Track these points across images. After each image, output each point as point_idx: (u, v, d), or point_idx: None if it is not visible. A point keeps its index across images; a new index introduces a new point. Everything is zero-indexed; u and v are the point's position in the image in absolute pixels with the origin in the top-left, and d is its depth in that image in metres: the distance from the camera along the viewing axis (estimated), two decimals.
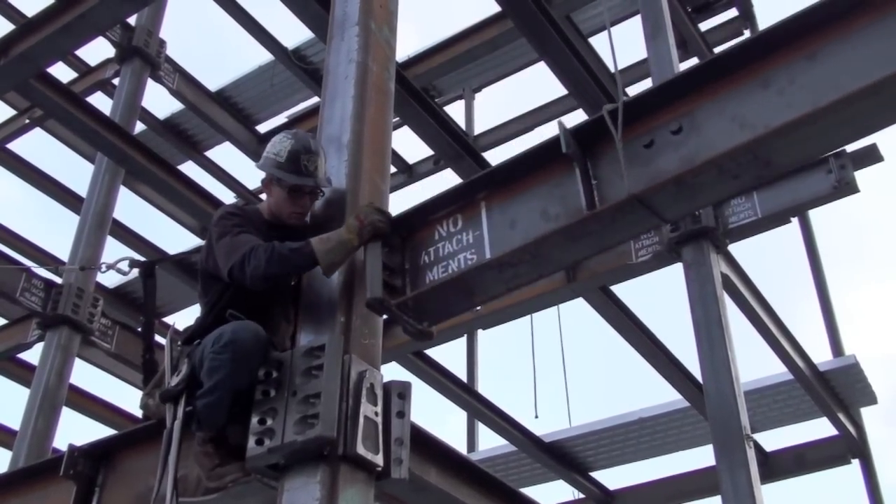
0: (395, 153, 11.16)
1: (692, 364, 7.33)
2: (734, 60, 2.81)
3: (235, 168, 11.70)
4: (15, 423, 8.29)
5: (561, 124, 3.01)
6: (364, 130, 3.67)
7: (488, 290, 3.29)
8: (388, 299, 3.18)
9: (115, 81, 9.35)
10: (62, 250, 9.68)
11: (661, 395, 9.29)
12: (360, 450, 2.93)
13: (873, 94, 2.51)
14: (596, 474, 9.97)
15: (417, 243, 3.37)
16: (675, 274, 6.71)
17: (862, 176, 7.22)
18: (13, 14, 9.76)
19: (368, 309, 3.19)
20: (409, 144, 12.65)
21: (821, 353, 8.71)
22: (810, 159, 2.93)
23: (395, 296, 3.24)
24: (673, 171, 2.80)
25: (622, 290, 7.71)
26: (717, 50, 9.82)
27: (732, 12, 10.52)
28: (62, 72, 10.23)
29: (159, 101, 17.06)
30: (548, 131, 11.02)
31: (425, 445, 3.60)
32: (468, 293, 3.27)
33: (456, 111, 12.03)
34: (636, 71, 10.07)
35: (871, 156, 6.75)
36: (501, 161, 3.31)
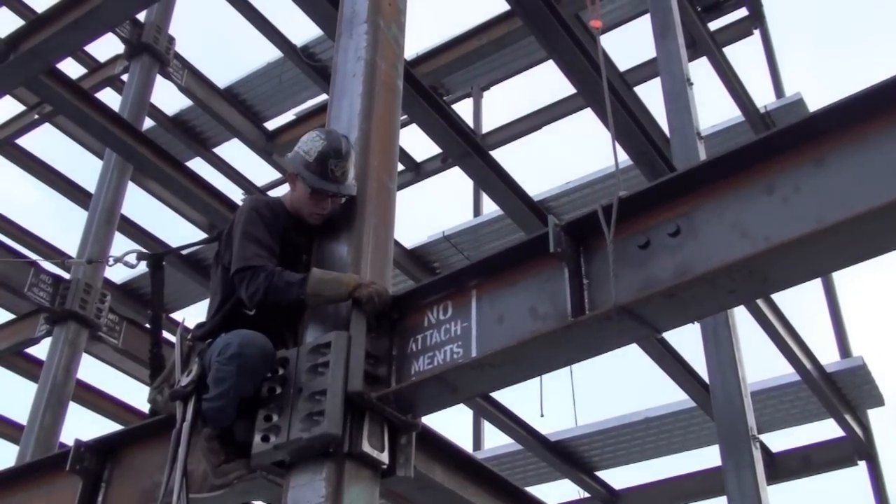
0: (402, 151, 11.15)
1: (699, 364, 7.31)
2: (739, 160, 2.62)
3: (244, 165, 11.63)
4: (22, 417, 8.34)
5: (551, 220, 2.79)
6: (372, 128, 3.66)
7: (472, 388, 3.17)
8: (369, 392, 2.99)
9: (125, 78, 9.37)
10: (71, 246, 9.68)
11: (667, 395, 9.24)
12: (366, 447, 2.93)
13: (887, 215, 2.29)
14: (601, 474, 9.95)
15: (407, 328, 3.20)
16: None
17: None
18: (23, 10, 9.77)
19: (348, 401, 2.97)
20: (416, 142, 12.60)
21: (828, 355, 8.67)
22: (813, 278, 2.77)
23: (377, 387, 3.06)
24: (666, 282, 2.60)
25: None
26: (727, 50, 9.78)
27: (742, 12, 10.47)
28: (71, 68, 10.25)
29: (168, 97, 17.08)
30: (556, 130, 11.01)
31: (431, 443, 3.59)
32: (452, 390, 3.09)
33: (464, 109, 12.02)
34: (645, 70, 10.04)
35: None
36: (498, 251, 3.08)
